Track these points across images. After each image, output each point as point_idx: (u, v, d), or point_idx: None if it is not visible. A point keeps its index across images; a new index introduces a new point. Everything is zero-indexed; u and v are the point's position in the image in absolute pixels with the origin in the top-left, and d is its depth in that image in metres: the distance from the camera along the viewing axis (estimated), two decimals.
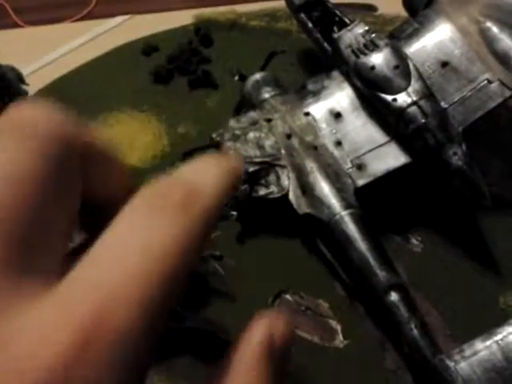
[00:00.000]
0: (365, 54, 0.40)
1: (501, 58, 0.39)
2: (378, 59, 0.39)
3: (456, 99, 0.39)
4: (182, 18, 0.64)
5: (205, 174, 0.19)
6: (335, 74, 0.44)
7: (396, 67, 0.38)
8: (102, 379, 0.14)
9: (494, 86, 0.38)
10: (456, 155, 0.36)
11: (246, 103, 0.48)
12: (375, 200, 0.39)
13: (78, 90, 0.56)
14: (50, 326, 0.14)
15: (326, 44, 0.46)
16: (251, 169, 0.40)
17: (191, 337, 0.35)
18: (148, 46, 0.60)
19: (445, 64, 0.40)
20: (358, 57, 0.40)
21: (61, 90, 0.55)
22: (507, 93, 0.38)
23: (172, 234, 0.16)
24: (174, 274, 0.15)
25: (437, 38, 0.41)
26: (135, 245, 0.15)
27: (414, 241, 0.40)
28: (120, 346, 0.14)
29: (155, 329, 0.15)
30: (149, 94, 0.56)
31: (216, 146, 0.43)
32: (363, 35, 0.41)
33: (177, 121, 0.52)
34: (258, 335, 0.18)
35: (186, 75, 0.57)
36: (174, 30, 0.64)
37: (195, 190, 0.17)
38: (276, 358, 0.18)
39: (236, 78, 0.50)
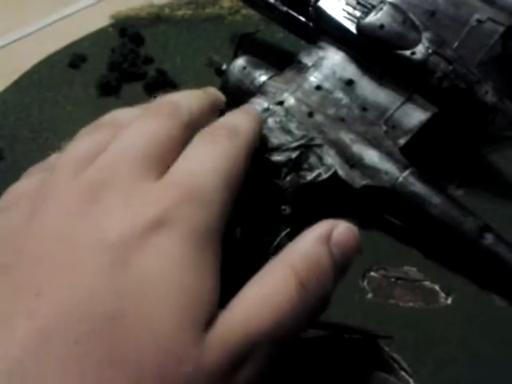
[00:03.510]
0: (365, 15, 0.39)
1: None
2: (384, 17, 0.38)
3: (456, 44, 0.40)
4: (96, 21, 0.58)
5: (238, 119, 0.28)
6: (324, 44, 0.42)
7: (404, 22, 0.38)
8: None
9: (486, 24, 0.40)
10: (488, 93, 0.37)
11: (231, 92, 0.45)
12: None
13: (16, 121, 0.47)
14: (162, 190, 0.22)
15: (301, 17, 0.45)
16: (293, 155, 0.38)
17: None
18: (75, 58, 0.53)
19: (433, 13, 0.41)
20: (357, 20, 0.39)
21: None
22: (501, 28, 0.40)
23: (222, 152, 0.24)
24: (228, 172, 0.24)
25: None
26: (205, 156, 0.24)
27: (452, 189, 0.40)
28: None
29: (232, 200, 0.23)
30: (104, 109, 0.49)
31: None
32: None
33: None
34: (317, 227, 0.24)
35: (135, 80, 0.51)
36: (94, 35, 0.57)
37: (235, 127, 0.27)
38: (336, 252, 0.24)
39: (215, 66, 0.46)
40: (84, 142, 0.25)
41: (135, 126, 0.25)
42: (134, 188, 0.22)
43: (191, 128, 0.26)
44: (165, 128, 0.25)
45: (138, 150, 0.23)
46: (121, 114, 0.27)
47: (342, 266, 0.24)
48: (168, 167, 0.24)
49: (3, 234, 0.22)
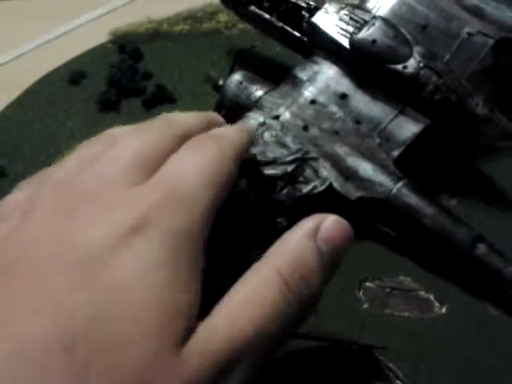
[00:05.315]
0: (358, 30, 0.40)
1: (472, 11, 0.42)
2: (376, 32, 0.39)
3: (447, 57, 0.41)
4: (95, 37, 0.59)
5: (227, 130, 0.28)
6: (319, 58, 0.43)
7: (395, 36, 0.39)
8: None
9: (476, 37, 0.41)
10: (478, 105, 0.38)
11: (229, 106, 0.45)
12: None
13: (17, 138, 0.48)
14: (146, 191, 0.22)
15: (296, 32, 0.45)
16: (289, 169, 0.38)
17: None
18: (75, 74, 0.54)
19: (424, 27, 0.42)
20: (350, 35, 0.40)
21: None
22: (491, 41, 0.41)
23: (207, 156, 0.24)
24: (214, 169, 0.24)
25: (409, 4, 0.43)
26: (189, 161, 0.24)
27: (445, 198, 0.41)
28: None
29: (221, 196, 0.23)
30: (104, 124, 0.50)
31: None
32: (346, 14, 0.41)
33: None
34: (304, 222, 0.23)
35: (134, 96, 0.52)
36: (93, 51, 0.58)
37: (221, 135, 0.27)
38: (323, 248, 0.23)
39: (212, 82, 0.47)
40: (77, 155, 0.26)
41: (125, 139, 0.25)
42: (117, 195, 0.22)
43: (184, 141, 0.26)
44: (154, 139, 0.25)
45: (124, 159, 0.23)
46: (116, 131, 0.27)
47: (332, 262, 0.23)
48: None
49: None
